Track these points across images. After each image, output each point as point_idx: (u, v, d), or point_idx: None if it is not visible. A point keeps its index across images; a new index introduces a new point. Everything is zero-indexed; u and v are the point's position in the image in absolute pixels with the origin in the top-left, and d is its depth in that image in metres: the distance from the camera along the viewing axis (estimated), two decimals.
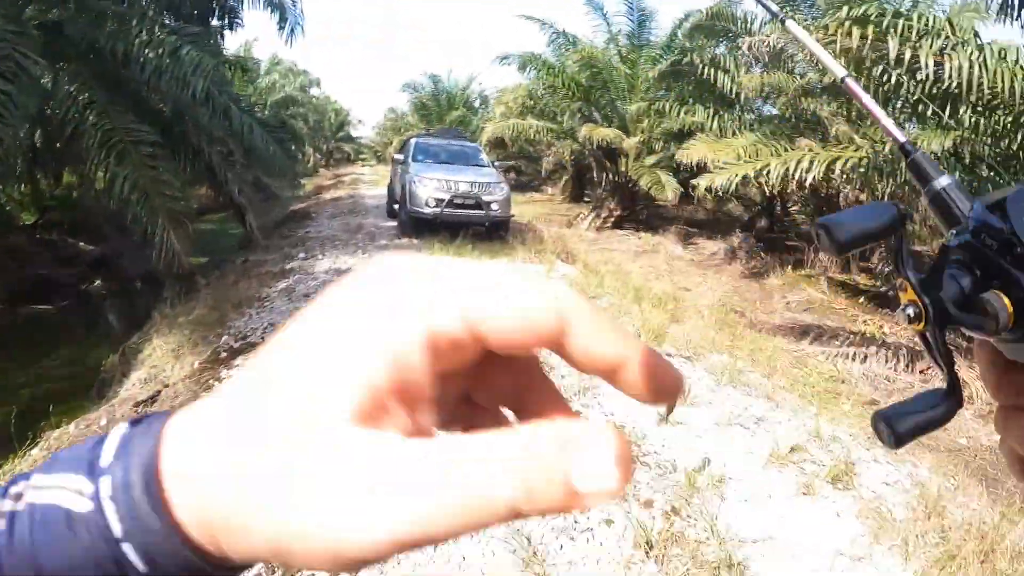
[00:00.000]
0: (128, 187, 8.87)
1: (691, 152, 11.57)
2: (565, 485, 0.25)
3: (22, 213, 15.42)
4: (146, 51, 8.98)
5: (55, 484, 0.31)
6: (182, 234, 9.03)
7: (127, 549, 0.29)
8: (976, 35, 6.41)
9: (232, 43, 26.37)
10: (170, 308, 8.18)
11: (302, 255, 11.13)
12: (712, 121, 13.43)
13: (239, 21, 14.27)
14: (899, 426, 0.48)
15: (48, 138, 11.79)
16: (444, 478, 0.26)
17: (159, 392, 5.63)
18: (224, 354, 6.25)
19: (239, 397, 0.31)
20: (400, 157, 14.88)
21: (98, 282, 12.98)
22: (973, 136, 7.28)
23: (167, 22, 11.53)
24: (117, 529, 0.29)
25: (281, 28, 13.55)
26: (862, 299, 10.25)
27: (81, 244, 14.72)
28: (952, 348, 0.48)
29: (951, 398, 0.49)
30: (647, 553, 3.40)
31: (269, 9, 13.30)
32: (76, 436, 4.90)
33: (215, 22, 13.96)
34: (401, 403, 0.29)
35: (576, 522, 3.63)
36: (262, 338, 6.58)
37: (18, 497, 0.31)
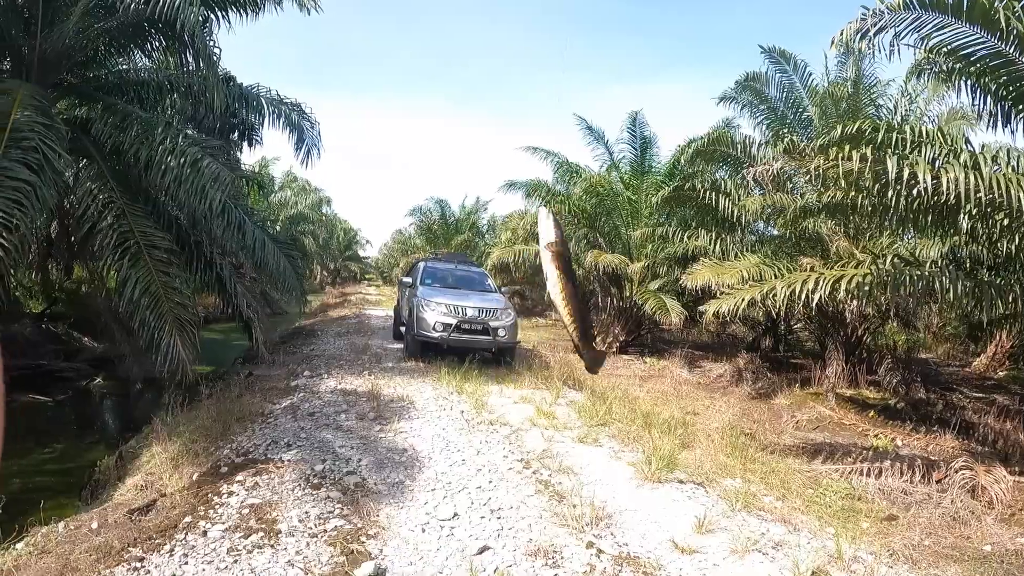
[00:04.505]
0: (139, 290, 8.97)
1: (696, 276, 11.71)
2: None
3: (30, 301, 15.61)
4: (168, 158, 9.19)
5: None
6: (188, 342, 9.00)
7: None
8: (967, 142, 6.57)
9: (250, 158, 27.20)
10: (171, 415, 8.08)
11: (307, 373, 11.10)
12: (715, 244, 13.62)
13: (258, 139, 14.79)
14: None
15: (64, 231, 11.99)
16: None
17: (155, 501, 5.46)
18: (225, 469, 6.12)
19: None
20: (408, 280, 15.03)
21: (99, 380, 12.95)
22: (970, 241, 7.38)
23: (190, 132, 11.95)
24: None
25: (298, 149, 13.96)
26: (871, 413, 10.15)
27: (85, 340, 14.79)
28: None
29: None
30: None
31: (288, 129, 13.71)
32: (64, 536, 4.76)
33: (234, 137, 14.46)
34: None
35: None
36: (264, 455, 6.51)
37: None
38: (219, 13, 10.92)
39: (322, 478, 5.94)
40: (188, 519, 4.91)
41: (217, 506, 5.21)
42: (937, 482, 6.61)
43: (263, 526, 4.81)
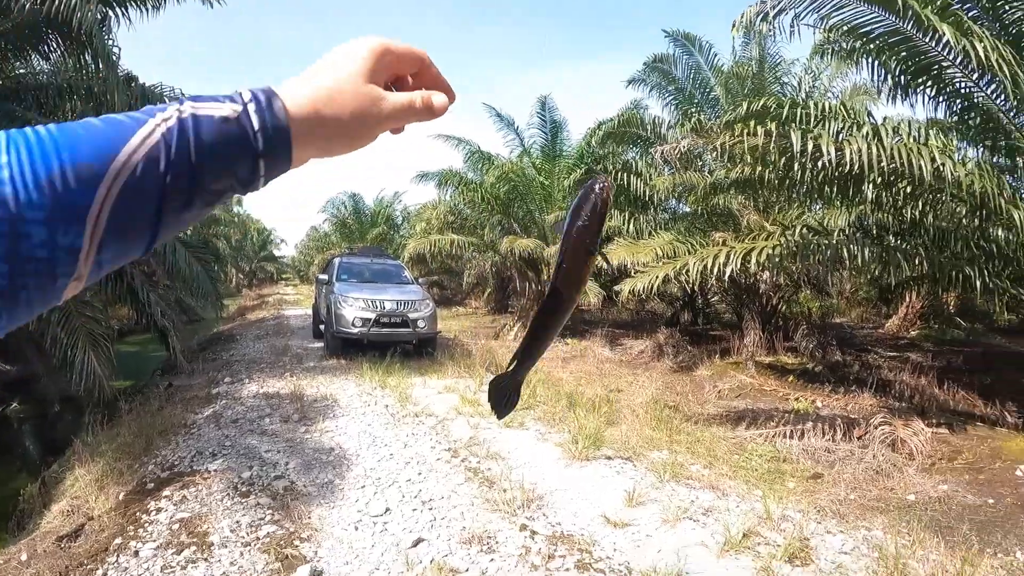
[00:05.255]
0: None
1: (611, 256, 11.85)
2: (429, 102, 0.73)
3: None
4: None
5: (209, 106, 0.58)
6: (103, 356, 8.72)
7: (259, 136, 0.60)
8: (869, 115, 6.82)
9: None
10: (91, 435, 7.80)
11: (228, 379, 10.85)
12: (629, 224, 13.81)
13: None
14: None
15: None
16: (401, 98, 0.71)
17: (83, 525, 5.27)
18: (151, 485, 5.93)
19: (309, 78, 0.66)
20: (324, 277, 14.81)
21: (15, 404, 12.34)
22: (876, 209, 7.67)
23: None
24: (256, 123, 0.60)
25: None
26: (791, 378, 10.46)
27: None
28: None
29: None
30: None
31: None
32: None
33: None
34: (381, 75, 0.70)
35: None
36: (190, 468, 6.32)
37: (181, 111, 0.57)
38: (118, 10, 10.51)
39: (250, 485, 5.83)
40: (118, 540, 4.76)
41: (146, 524, 5.06)
42: (858, 439, 6.86)
43: (195, 540, 4.69)
